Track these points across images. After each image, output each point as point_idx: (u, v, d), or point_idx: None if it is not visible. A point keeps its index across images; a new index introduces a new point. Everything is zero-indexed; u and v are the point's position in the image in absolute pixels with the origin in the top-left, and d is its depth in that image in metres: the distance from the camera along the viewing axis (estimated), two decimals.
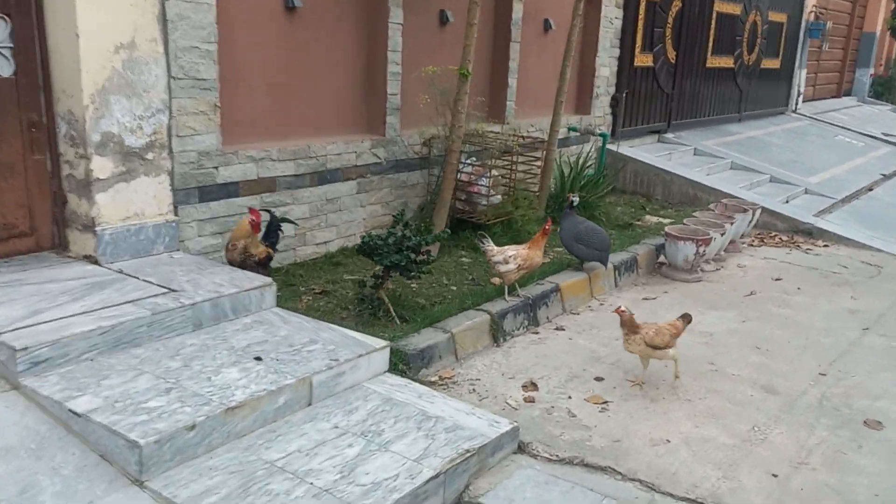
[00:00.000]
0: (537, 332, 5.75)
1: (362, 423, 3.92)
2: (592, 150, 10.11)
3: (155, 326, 4.19)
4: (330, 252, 6.69)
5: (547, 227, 5.77)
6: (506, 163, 7.82)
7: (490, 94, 8.66)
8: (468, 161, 7.46)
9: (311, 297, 5.73)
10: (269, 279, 4.95)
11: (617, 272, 6.91)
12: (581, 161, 8.95)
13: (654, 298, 6.69)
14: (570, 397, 4.74)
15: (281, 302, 5.30)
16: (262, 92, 6.04)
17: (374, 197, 7.04)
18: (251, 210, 5.19)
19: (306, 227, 6.42)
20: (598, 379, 5.01)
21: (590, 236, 6.48)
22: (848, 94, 22.07)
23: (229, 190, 5.72)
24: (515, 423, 4.08)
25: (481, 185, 7.48)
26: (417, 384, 4.42)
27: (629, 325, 4.81)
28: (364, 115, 7.00)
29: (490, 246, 5.72)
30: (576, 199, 6.62)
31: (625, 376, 5.09)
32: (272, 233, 5.36)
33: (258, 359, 4.14)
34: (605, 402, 4.69)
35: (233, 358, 4.12)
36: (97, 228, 4.91)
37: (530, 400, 4.67)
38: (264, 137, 6.08)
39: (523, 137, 8.04)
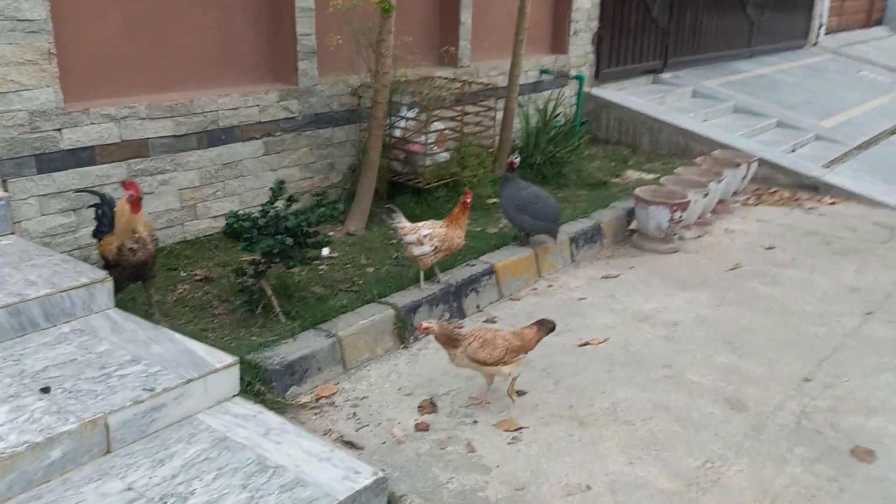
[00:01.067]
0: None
1: (170, 482, 2.94)
2: (570, 95, 8.90)
3: None
4: None
5: (466, 200, 4.67)
6: (455, 114, 6.67)
7: (441, 32, 7.46)
8: (407, 114, 6.31)
9: (188, 287, 4.73)
10: (103, 273, 3.92)
11: (574, 245, 5.82)
12: (550, 109, 7.75)
13: (615, 276, 5.61)
14: (475, 422, 3.74)
15: (158, 290, 4.42)
16: (120, 33, 4.93)
17: (288, 159, 5.95)
18: (126, 184, 4.00)
19: (197, 197, 5.38)
20: (521, 393, 3.98)
21: (535, 204, 5.38)
22: (879, 23, 20.21)
23: (80, 157, 4.67)
24: (382, 473, 3.08)
25: (421, 142, 6.35)
26: (272, 413, 3.42)
27: (445, 340, 3.71)
28: (268, 61, 5.87)
29: (400, 222, 4.65)
30: (517, 160, 5.48)
31: (555, 387, 4.06)
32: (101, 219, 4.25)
33: (45, 390, 3.15)
34: (519, 430, 3.68)
35: (11, 390, 3.13)
36: None
37: (423, 427, 3.67)
38: (128, 91, 5.00)
39: (477, 84, 6.86)
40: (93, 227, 4.24)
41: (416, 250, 4.59)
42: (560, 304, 5.10)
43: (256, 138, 5.70)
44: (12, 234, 4.38)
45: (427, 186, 6.27)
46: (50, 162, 4.53)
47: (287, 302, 4.43)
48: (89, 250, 4.79)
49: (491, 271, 5.07)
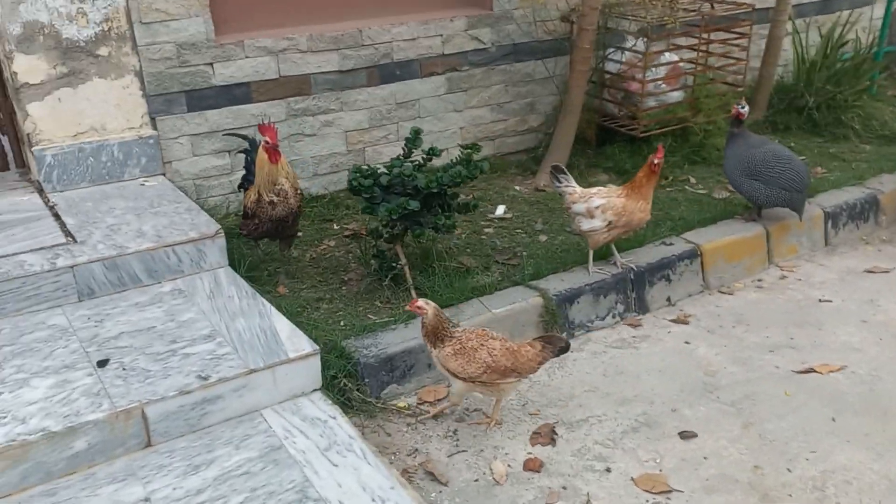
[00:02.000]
0: (637, 326, 3.67)
1: (192, 498, 2.45)
2: (875, 17, 6.88)
3: (7, 298, 3.04)
4: None
5: (654, 161, 3.53)
6: (693, 43, 5.35)
7: None
8: (626, 44, 5.15)
9: (334, 243, 4.24)
10: (216, 227, 3.52)
11: (831, 222, 4.35)
12: (836, 34, 5.96)
13: (885, 271, 4.08)
14: (608, 469, 2.76)
15: (302, 244, 4.06)
16: None
17: (477, 98, 5.15)
18: (262, 128, 3.49)
19: (366, 140, 4.83)
20: (688, 435, 2.91)
21: (771, 167, 4.02)
22: None
23: (235, 94, 4.31)
24: None
25: (642, 79, 5.15)
26: (345, 421, 2.78)
27: (430, 332, 2.84)
28: None
29: (568, 186, 3.66)
30: (744, 109, 4.11)
31: (742, 432, 2.92)
32: (249, 166, 3.85)
33: (102, 363, 2.82)
34: (669, 492, 2.64)
35: (70, 358, 2.84)
36: (35, 148, 3.85)
37: (534, 466, 2.79)
38: (286, 20, 4.51)
39: (729, 3, 5.41)
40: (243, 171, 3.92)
41: (585, 224, 3.59)
42: (789, 306, 3.78)
43: (438, 74, 4.96)
44: (162, 174, 4.18)
45: (644, 135, 5.09)
46: (201, 99, 4.22)
47: (425, 273, 3.72)
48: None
49: (694, 254, 3.89)
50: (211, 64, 4.19)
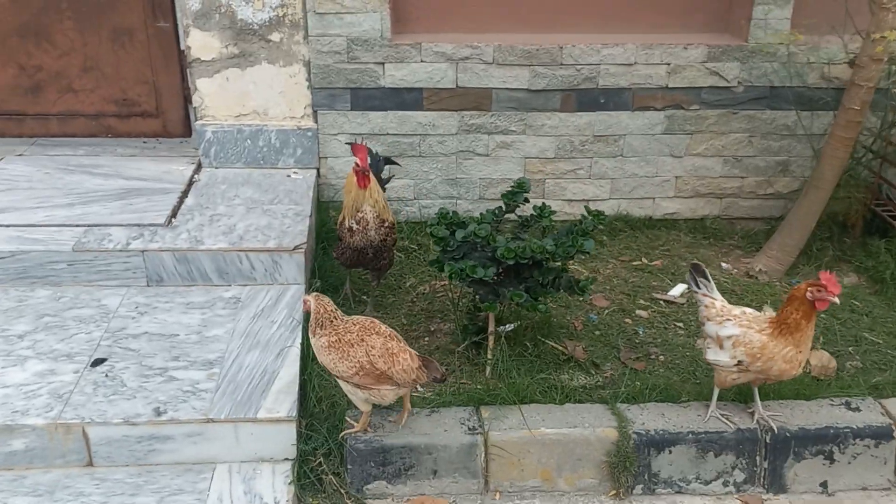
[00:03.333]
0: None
1: None
2: None
3: (80, 267, 3.16)
4: None
5: (815, 292, 2.43)
6: None
7: None
8: None
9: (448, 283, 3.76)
10: (300, 241, 3.30)
11: None
12: None
13: None
14: None
15: (419, 275, 3.70)
16: None
17: (706, 144, 4.20)
18: (355, 148, 3.14)
19: (548, 171, 4.21)
20: None
21: None
22: None
23: (404, 98, 4.00)
24: None
25: None
26: None
27: (314, 321, 2.46)
28: (699, 2, 4.08)
29: (709, 295, 2.72)
30: None
31: None
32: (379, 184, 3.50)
33: (97, 362, 2.76)
34: None
35: (75, 348, 2.83)
36: (198, 122, 3.97)
37: None
38: (473, 26, 4.03)
39: None
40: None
41: (711, 353, 2.64)
42: None
43: (656, 109, 4.11)
44: (315, 169, 4.07)
45: None
46: (367, 99, 3.98)
47: (517, 347, 3.09)
48: (399, 203, 4.19)
49: (887, 433, 2.67)
50: (382, 63, 3.91)
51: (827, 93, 3.99)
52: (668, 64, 4.02)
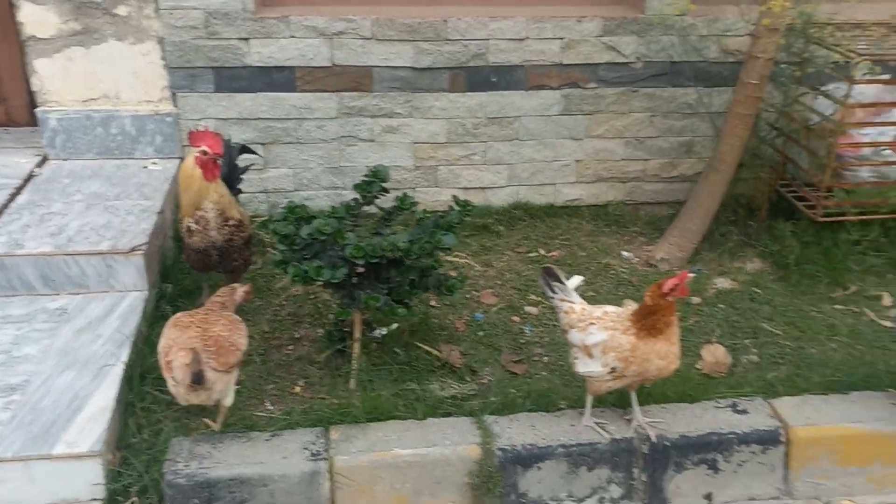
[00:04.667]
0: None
1: None
2: None
3: None
4: (489, 206, 4.03)
5: (668, 287, 2.17)
6: None
7: None
8: (831, 87, 3.55)
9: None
10: (140, 241, 2.92)
11: None
12: None
13: None
14: None
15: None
16: None
17: (606, 126, 3.93)
18: (198, 135, 2.73)
19: (440, 157, 3.90)
20: None
21: None
22: None
23: (274, 78, 3.63)
24: None
25: (852, 139, 3.55)
26: None
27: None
28: None
29: (567, 300, 2.44)
30: None
31: None
32: (234, 175, 3.13)
33: None
34: None
35: None
36: (40, 109, 3.55)
37: None
38: None
39: None
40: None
41: (581, 365, 2.36)
42: None
43: (552, 88, 3.83)
44: (180, 159, 3.67)
45: (826, 220, 3.50)
46: (233, 79, 3.61)
47: (386, 356, 2.78)
48: (278, 195, 3.83)
49: (774, 438, 2.44)
50: (246, 39, 3.55)
51: (727, 67, 3.76)
52: (562, 38, 3.73)
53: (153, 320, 2.83)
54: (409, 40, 3.64)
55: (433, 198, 3.94)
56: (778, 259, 3.60)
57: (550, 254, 3.73)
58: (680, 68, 3.84)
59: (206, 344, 2.21)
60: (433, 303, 3.25)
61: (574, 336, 2.34)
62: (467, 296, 3.35)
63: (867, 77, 3.33)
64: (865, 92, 3.60)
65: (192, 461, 2.24)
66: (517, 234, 3.88)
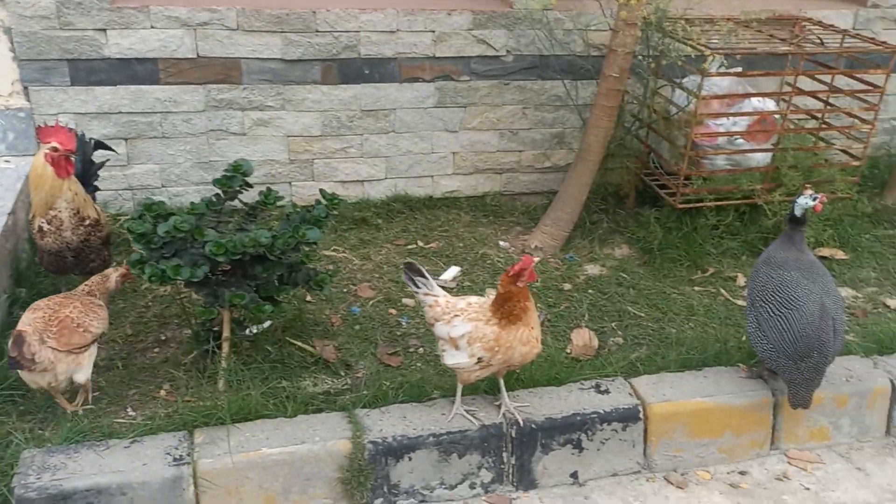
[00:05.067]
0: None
1: None
2: None
3: None
4: (367, 199, 4.01)
5: (514, 272, 2.25)
6: (787, 89, 3.84)
7: None
8: (687, 80, 3.72)
9: None
10: None
11: None
12: None
13: None
14: None
15: None
16: None
17: (480, 118, 3.99)
18: (46, 130, 2.63)
19: (315, 150, 3.85)
20: None
21: (767, 302, 2.57)
22: None
23: (136, 71, 3.49)
24: None
25: (722, 126, 3.74)
26: None
27: None
28: None
29: (430, 293, 2.46)
30: (805, 202, 2.63)
31: None
32: (90, 171, 2.99)
33: None
34: None
35: None
36: None
37: None
38: None
39: (875, 43, 3.79)
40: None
41: (449, 357, 2.39)
42: None
43: (425, 80, 3.84)
44: (33, 155, 3.44)
45: (685, 206, 3.68)
46: (90, 72, 3.44)
47: (257, 355, 2.72)
48: (144, 192, 3.68)
49: (633, 415, 2.55)
50: (104, 30, 3.39)
51: (592, 61, 3.88)
52: (433, 31, 3.76)
53: (5, 327, 2.68)
54: (278, 31, 3.58)
55: (310, 192, 3.90)
56: (644, 245, 3.76)
57: (429, 245, 3.76)
58: (549, 62, 3.94)
59: (49, 325, 2.25)
60: (309, 299, 3.21)
61: (440, 329, 2.37)
62: (344, 290, 3.34)
63: (720, 70, 3.53)
64: (720, 84, 3.82)
65: (44, 473, 2.13)
66: (396, 226, 3.89)
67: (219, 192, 2.55)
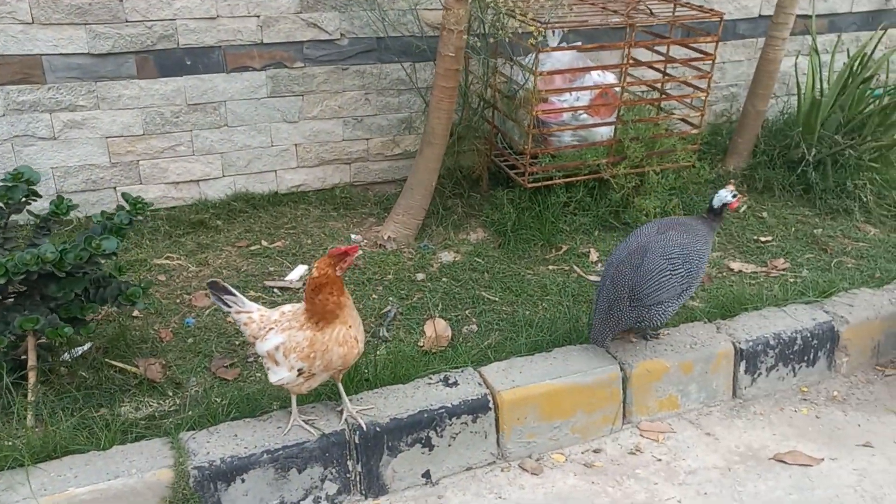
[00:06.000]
0: None
1: None
2: None
3: None
4: (205, 200, 3.73)
5: (341, 251, 2.10)
6: (621, 59, 3.83)
7: None
8: (523, 55, 3.66)
9: None
10: None
11: (745, 364, 2.82)
12: (864, 61, 4.27)
13: (806, 465, 2.55)
14: None
15: None
16: None
17: (321, 106, 3.78)
18: None
19: (139, 150, 3.53)
20: None
21: (614, 257, 2.54)
22: None
23: None
24: None
25: (550, 104, 3.69)
26: None
27: None
28: None
29: (243, 310, 2.25)
30: (725, 196, 2.61)
31: None
32: None
33: None
34: None
35: None
36: None
37: None
38: None
39: (693, 8, 3.82)
40: None
41: (272, 374, 2.20)
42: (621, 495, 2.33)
43: (255, 69, 3.60)
44: None
45: (534, 185, 3.62)
46: None
47: (70, 388, 2.42)
48: None
49: (483, 405, 2.45)
50: None
51: (429, 41, 3.76)
52: (258, 17, 3.52)
53: None
54: (81, 24, 3.24)
55: (138, 193, 3.57)
56: (498, 227, 3.69)
57: (274, 245, 3.55)
58: (386, 44, 3.79)
59: None
60: (137, 314, 2.94)
61: (259, 346, 2.18)
62: (178, 300, 3.08)
63: (560, 46, 3.49)
64: (561, 59, 3.78)
65: None
66: (238, 227, 3.65)
67: None
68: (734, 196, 2.63)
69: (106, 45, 3.30)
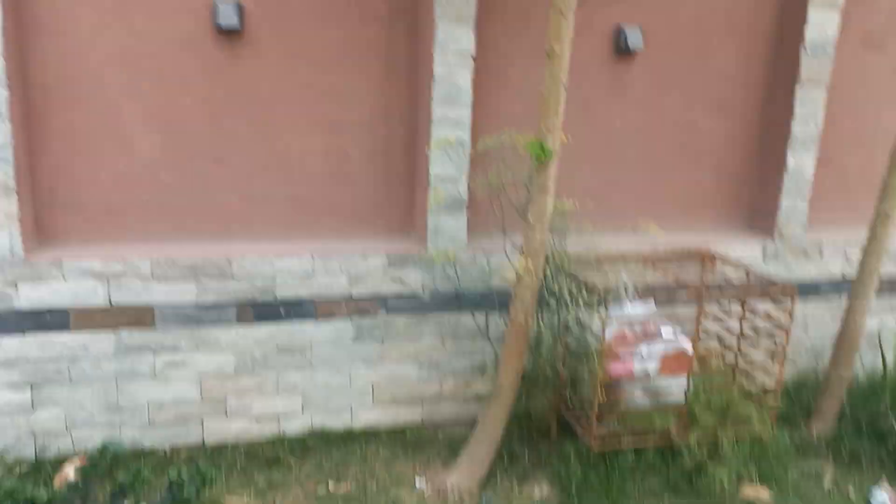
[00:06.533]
0: None
1: None
2: None
3: None
4: (283, 435, 3.94)
5: None
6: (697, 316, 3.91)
7: (751, 182, 4.60)
8: (611, 313, 3.79)
9: None
10: None
11: None
12: None
13: None
14: None
15: None
16: (129, 159, 3.64)
17: (398, 350, 4.01)
18: None
19: (229, 388, 3.81)
20: None
21: None
22: None
23: (46, 320, 3.50)
24: None
25: (636, 359, 3.77)
26: None
27: None
28: (381, 209, 4.02)
29: None
30: (882, 498, 2.75)
31: None
32: None
33: None
34: None
35: None
36: None
37: None
38: (124, 236, 3.68)
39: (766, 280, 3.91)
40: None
41: None
42: None
43: (342, 317, 3.88)
44: None
45: (602, 450, 3.63)
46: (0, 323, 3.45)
47: None
48: (48, 438, 3.59)
49: None
50: (14, 283, 3.42)
51: (503, 297, 3.96)
52: (348, 274, 3.85)
53: None
54: (191, 277, 3.63)
55: (222, 428, 3.82)
56: (564, 484, 3.67)
57: (339, 490, 3.64)
58: (465, 295, 4.01)
59: None
60: None
61: None
62: None
63: (631, 305, 3.61)
64: (634, 317, 3.89)
65: None
66: (309, 464, 3.80)
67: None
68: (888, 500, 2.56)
69: (211, 297, 3.67)
